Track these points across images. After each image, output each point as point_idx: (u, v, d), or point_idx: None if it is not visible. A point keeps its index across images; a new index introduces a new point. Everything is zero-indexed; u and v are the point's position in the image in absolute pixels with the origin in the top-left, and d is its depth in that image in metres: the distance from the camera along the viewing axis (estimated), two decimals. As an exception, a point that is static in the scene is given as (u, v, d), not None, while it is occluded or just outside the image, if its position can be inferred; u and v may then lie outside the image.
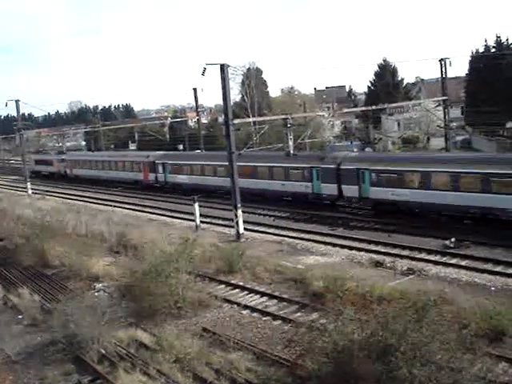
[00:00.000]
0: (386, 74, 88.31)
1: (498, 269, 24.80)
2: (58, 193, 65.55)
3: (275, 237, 34.13)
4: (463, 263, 26.12)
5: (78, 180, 72.87)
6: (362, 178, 37.79)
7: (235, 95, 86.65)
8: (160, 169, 57.70)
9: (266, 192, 45.06)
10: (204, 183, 51.53)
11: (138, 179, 61.55)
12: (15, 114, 72.22)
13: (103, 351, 19.14)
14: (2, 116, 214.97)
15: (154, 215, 44.96)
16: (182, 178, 55.09)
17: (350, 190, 38.52)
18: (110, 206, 51.82)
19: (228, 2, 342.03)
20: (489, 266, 25.23)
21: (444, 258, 27.14)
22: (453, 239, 28.80)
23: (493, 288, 22.49)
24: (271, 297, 24.06)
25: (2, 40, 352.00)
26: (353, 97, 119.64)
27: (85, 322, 19.51)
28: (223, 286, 26.09)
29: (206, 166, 52.47)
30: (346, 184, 38.88)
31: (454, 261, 26.61)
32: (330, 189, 40.15)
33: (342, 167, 39.20)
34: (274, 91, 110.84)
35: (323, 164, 40.91)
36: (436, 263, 26.26)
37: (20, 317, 24.45)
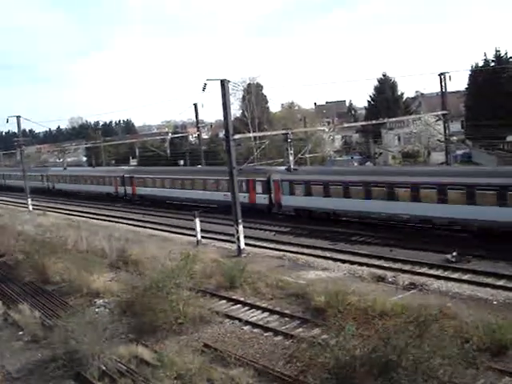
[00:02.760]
0: (385, 89, 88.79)
1: (500, 283, 24.71)
2: (59, 208, 65.53)
3: (276, 252, 34.06)
4: (465, 277, 26.04)
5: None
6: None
7: (236, 110, 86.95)
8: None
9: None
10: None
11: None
12: (16, 130, 72.32)
13: (104, 367, 19.05)
14: (3, 132, 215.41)
15: (155, 231, 44.85)
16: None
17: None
18: (111, 221, 51.89)
19: (228, 22, 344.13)
20: (491, 280, 25.12)
21: (446, 273, 27.06)
22: (454, 253, 28.72)
23: (495, 302, 22.38)
24: (272, 312, 23.96)
25: (3, 56, 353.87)
26: (353, 111, 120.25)
27: (85, 339, 19.43)
28: (224, 301, 26.00)
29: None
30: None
31: (455, 275, 26.51)
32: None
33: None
34: (274, 106, 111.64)
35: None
36: (438, 277, 26.17)
37: (20, 333, 24.39)
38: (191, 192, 54.29)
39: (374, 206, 36.82)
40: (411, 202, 34.60)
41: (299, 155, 51.08)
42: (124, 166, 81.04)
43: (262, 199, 46.38)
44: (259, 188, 46.58)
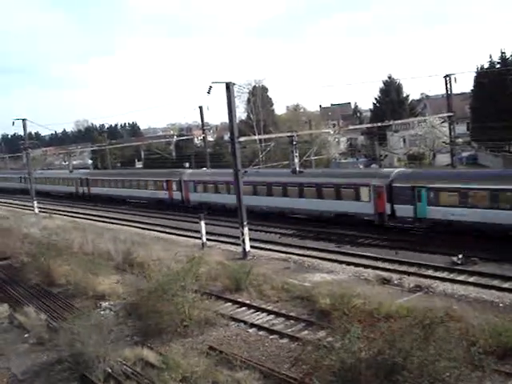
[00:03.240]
0: (391, 91, 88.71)
1: (506, 285, 24.64)
2: (65, 211, 65.69)
3: (282, 254, 34.04)
4: (471, 280, 25.99)
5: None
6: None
7: (241, 113, 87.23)
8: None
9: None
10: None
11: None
12: (22, 133, 72.59)
13: (109, 370, 19.03)
14: (9, 135, 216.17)
15: (160, 233, 44.93)
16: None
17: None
18: (116, 224, 51.97)
19: (232, 24, 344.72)
20: (497, 283, 25.07)
21: (451, 275, 26.99)
22: (460, 255, 28.66)
23: (501, 304, 22.32)
24: (278, 315, 23.93)
25: (9, 60, 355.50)
26: (358, 114, 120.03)
27: (91, 341, 19.44)
28: (230, 304, 25.98)
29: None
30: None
31: (461, 277, 26.47)
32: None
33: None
34: (279, 109, 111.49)
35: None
36: (443, 280, 26.12)
37: (26, 335, 24.43)
38: (128, 190, 66.19)
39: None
40: (266, 197, 46.11)
41: (304, 157, 51.03)
42: (86, 170, 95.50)
43: (177, 195, 57.62)
44: (175, 187, 57.91)
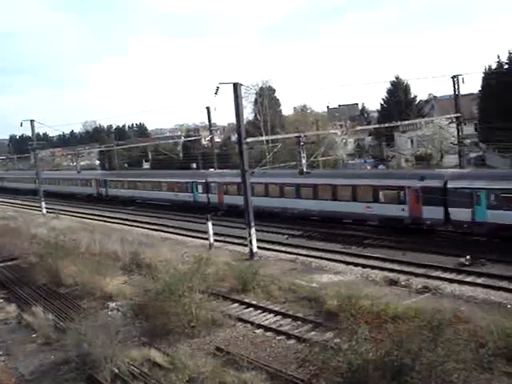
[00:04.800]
0: (398, 92, 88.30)
1: (514, 286, 24.51)
2: (72, 212, 65.94)
3: (289, 255, 34.02)
4: (479, 281, 25.85)
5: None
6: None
7: (248, 114, 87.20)
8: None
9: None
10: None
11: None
12: (30, 134, 72.85)
13: (116, 370, 19.05)
14: (17, 136, 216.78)
15: (168, 234, 44.99)
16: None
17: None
18: (124, 224, 52.07)
19: (240, 25, 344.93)
20: (505, 284, 24.92)
21: (459, 276, 26.85)
22: (468, 256, 28.52)
23: (509, 306, 22.18)
24: (285, 316, 23.90)
25: (17, 61, 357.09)
26: (365, 114, 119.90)
27: (98, 341, 19.45)
28: (237, 304, 25.97)
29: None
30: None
31: (469, 278, 26.34)
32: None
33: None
34: (286, 110, 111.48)
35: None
36: (451, 281, 26.00)
37: (34, 335, 24.50)
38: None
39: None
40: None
41: (311, 158, 50.89)
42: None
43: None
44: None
